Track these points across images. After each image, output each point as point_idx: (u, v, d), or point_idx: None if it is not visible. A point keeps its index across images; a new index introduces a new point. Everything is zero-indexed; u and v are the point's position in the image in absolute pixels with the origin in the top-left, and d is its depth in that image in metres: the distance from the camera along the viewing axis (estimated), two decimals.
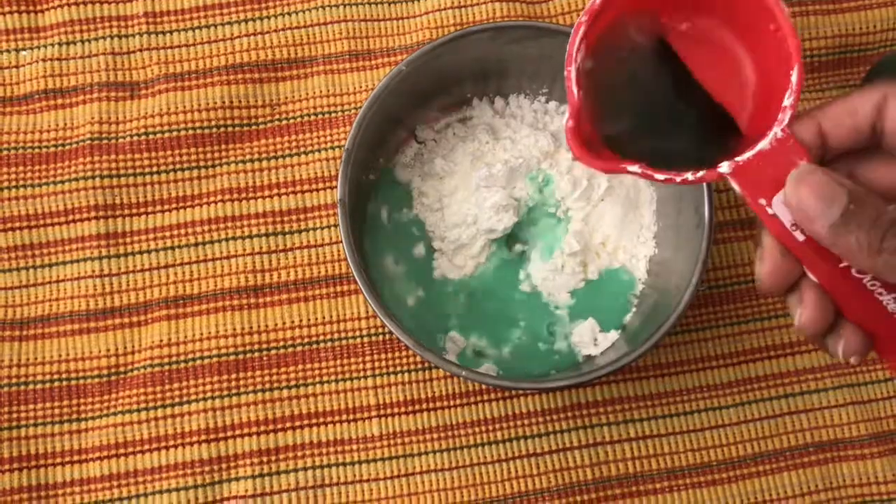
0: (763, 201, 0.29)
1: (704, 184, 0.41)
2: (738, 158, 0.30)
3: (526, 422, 0.45)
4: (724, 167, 0.30)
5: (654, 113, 0.33)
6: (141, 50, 0.49)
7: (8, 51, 0.49)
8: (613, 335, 0.45)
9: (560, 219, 0.46)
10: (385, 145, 0.46)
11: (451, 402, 0.45)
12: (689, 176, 0.30)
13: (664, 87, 0.33)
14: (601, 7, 0.31)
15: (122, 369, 0.45)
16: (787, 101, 0.30)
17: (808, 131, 0.29)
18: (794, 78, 0.29)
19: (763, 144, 0.29)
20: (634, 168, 0.30)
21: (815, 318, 0.30)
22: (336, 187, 0.47)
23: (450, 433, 0.45)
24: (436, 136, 0.47)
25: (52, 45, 0.49)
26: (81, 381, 0.45)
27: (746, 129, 0.31)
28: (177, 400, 0.45)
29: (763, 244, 0.30)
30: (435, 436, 0.45)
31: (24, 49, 0.49)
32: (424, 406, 0.45)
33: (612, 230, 0.46)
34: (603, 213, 0.46)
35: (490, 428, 0.45)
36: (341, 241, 0.46)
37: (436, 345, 0.45)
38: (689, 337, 0.47)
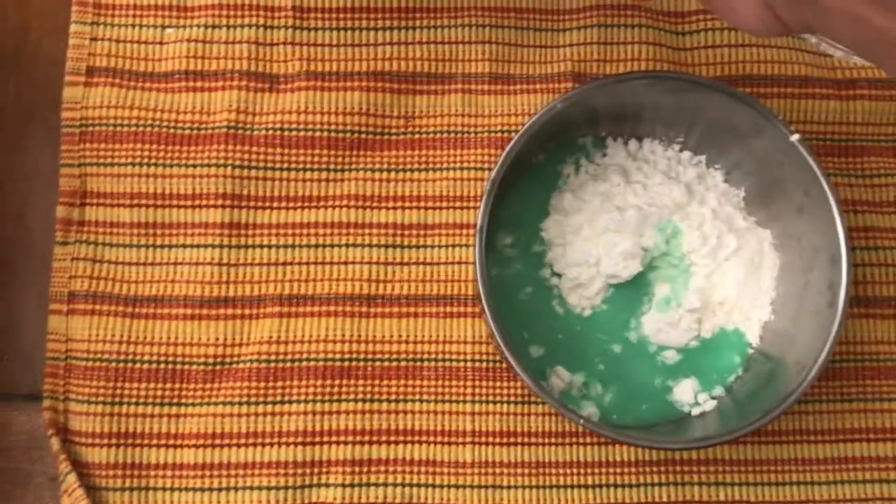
0: None
1: (844, 262, 0.41)
2: None
3: (618, 470, 0.45)
4: None
5: None
6: (285, 43, 0.49)
7: (154, 26, 0.49)
8: (718, 393, 0.45)
9: (682, 272, 0.46)
10: (521, 176, 0.46)
11: (547, 440, 0.45)
12: None
13: None
14: None
15: (227, 360, 0.45)
16: None
17: None
18: None
19: None
20: None
21: None
22: (463, 208, 0.47)
23: (542, 470, 0.45)
24: (569, 171, 0.47)
25: (198, 26, 0.48)
26: (186, 367, 0.45)
27: None
28: (278, 398, 0.45)
29: None
30: (527, 471, 0.45)
31: (169, 27, 0.49)
32: (519, 440, 0.45)
33: (732, 291, 0.46)
34: (726, 272, 0.46)
35: (582, 471, 0.45)
36: (460, 262, 0.47)
37: (543, 377, 0.45)
38: (792, 408, 0.46)
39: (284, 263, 0.46)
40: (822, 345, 0.41)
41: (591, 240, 0.46)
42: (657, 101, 0.45)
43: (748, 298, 0.46)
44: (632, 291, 0.46)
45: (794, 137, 0.42)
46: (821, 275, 0.42)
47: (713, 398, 0.45)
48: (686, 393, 0.45)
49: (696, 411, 0.45)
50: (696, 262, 0.46)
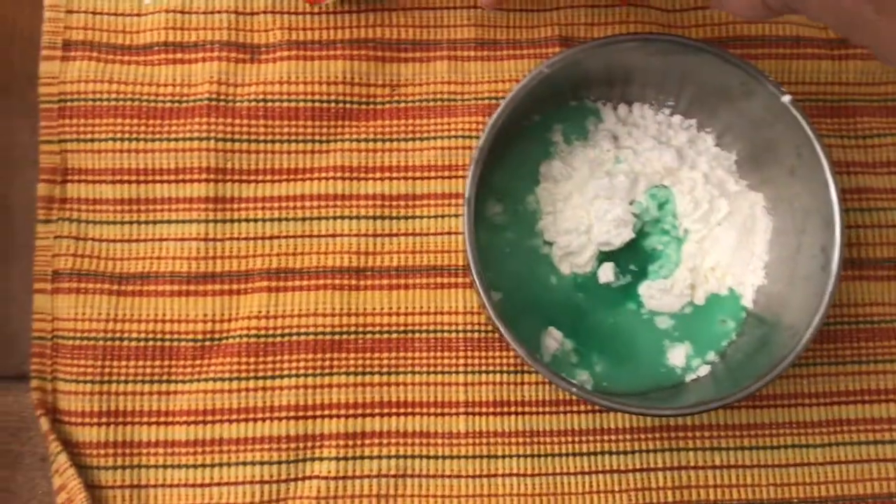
0: None
1: (837, 225, 0.40)
2: None
3: (613, 437, 0.45)
4: None
5: None
6: (265, 12, 0.47)
7: None
8: (711, 359, 0.45)
9: (674, 238, 0.45)
10: (510, 143, 0.45)
11: (540, 409, 0.45)
12: None
13: None
14: None
15: (216, 336, 0.45)
16: None
17: None
18: None
19: None
20: None
21: None
22: (451, 178, 0.47)
23: (536, 439, 0.45)
24: (558, 138, 0.46)
25: None
26: (175, 343, 0.45)
27: None
28: (269, 373, 0.44)
29: None
30: (521, 440, 0.45)
31: None
32: (513, 409, 0.45)
33: (725, 256, 0.45)
34: (718, 237, 0.45)
35: (576, 439, 0.45)
36: (450, 233, 0.46)
37: (536, 344, 0.44)
38: (786, 372, 0.46)
39: (271, 237, 0.46)
40: (816, 308, 0.40)
41: (582, 207, 0.45)
42: (646, 64, 0.44)
43: (741, 263, 0.45)
44: (624, 258, 0.46)
45: (786, 98, 0.41)
46: (814, 238, 0.42)
47: (707, 363, 0.45)
48: (679, 359, 0.45)
49: (689, 377, 0.45)
50: (688, 227, 0.45)
